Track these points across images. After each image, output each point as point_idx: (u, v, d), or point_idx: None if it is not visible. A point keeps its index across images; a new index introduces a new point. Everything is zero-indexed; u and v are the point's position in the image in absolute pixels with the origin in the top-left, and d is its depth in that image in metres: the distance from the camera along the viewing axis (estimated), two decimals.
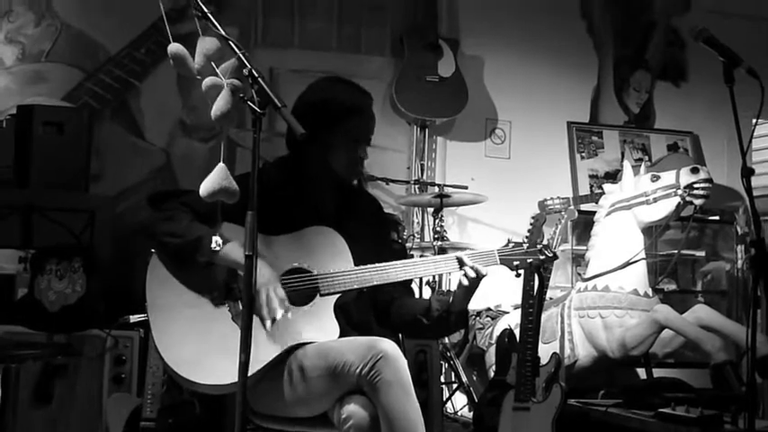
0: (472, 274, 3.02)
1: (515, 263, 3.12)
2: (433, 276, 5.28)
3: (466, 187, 5.60)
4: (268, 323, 2.84)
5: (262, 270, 2.83)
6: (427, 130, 6.15)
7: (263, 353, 2.83)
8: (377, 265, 3.01)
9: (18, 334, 4.18)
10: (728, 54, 3.07)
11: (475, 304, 5.41)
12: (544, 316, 4.51)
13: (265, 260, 2.87)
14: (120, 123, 5.55)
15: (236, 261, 2.84)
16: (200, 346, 2.85)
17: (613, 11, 6.68)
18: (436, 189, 5.45)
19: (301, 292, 2.96)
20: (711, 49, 3.10)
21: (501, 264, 3.12)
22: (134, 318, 4.28)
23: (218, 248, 2.86)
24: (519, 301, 4.08)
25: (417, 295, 4.52)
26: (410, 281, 3.34)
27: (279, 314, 2.85)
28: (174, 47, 2.54)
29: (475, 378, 5.16)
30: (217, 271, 2.93)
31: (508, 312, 5.05)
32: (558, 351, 4.42)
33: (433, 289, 5.31)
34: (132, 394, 4.23)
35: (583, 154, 6.42)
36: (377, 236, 3.29)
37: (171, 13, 5.06)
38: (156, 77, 5.58)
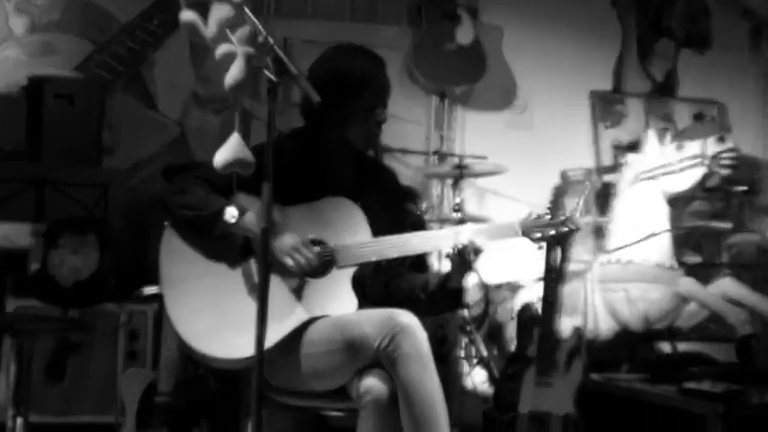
0: (464, 243, 3.00)
1: (537, 235, 3.10)
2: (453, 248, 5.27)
3: (486, 158, 5.59)
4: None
5: (285, 238, 2.89)
6: (446, 100, 6.13)
7: (280, 326, 2.85)
8: (395, 236, 3.02)
9: (31, 308, 4.21)
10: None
11: (496, 277, 5.48)
12: (566, 289, 4.50)
13: (287, 230, 2.91)
14: (132, 95, 5.55)
15: (254, 230, 2.86)
16: (215, 318, 2.88)
17: None
18: (455, 160, 5.44)
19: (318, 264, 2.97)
20: None
21: (522, 236, 3.10)
22: (148, 290, 4.30)
23: (233, 220, 2.88)
24: (540, 275, 4.07)
25: (437, 270, 4.52)
26: (427, 255, 3.34)
27: (316, 262, 2.89)
28: (187, 14, 2.53)
29: (495, 353, 5.17)
30: (235, 240, 2.95)
31: (528, 286, 5.04)
32: (579, 325, 4.41)
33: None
34: (147, 369, 4.26)
35: (606, 123, 6.39)
36: (395, 207, 3.30)
37: None
38: (169, 48, 5.57)
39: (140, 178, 5.40)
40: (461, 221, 5.10)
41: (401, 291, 3.20)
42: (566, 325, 4.14)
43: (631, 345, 4.72)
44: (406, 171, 5.86)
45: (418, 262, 3.26)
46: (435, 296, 3.12)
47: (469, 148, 6.06)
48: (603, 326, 4.61)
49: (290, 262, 2.90)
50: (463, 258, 3.01)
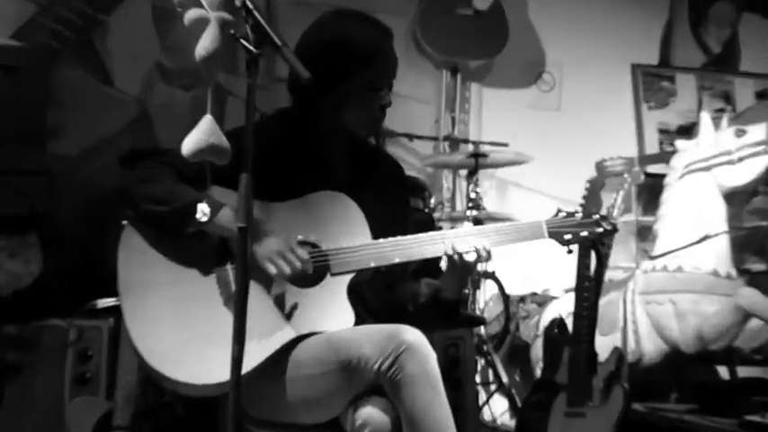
0: (471, 256, 3.03)
1: (567, 237, 3.12)
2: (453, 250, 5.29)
3: (507, 145, 5.60)
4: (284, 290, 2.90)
5: (268, 240, 2.89)
6: (459, 76, 6.14)
7: (262, 345, 2.84)
8: (399, 238, 3.02)
9: None
10: None
11: (518, 288, 5.49)
12: (603, 302, 4.51)
13: (272, 229, 2.92)
14: (83, 67, 5.55)
15: (231, 228, 2.85)
16: (184, 335, 2.87)
17: None
18: (470, 147, 5.44)
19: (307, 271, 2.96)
20: None
21: (549, 238, 3.12)
22: (103, 302, 4.31)
23: (205, 219, 2.89)
24: (571, 284, 4.09)
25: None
26: (438, 259, 3.35)
27: (303, 266, 2.90)
28: None
29: (518, 378, 5.18)
30: (209, 241, 2.95)
31: (558, 298, 5.06)
32: (619, 345, 4.43)
33: None
34: (100, 397, 4.26)
35: (651, 104, 6.41)
36: (398, 204, 3.30)
37: None
38: (128, 11, 5.58)
39: (93, 166, 5.40)
40: (477, 220, 5.12)
41: (387, 300, 3.21)
42: (602, 345, 4.16)
43: (681, 369, 4.74)
44: (412, 160, 5.88)
45: (428, 269, 3.26)
46: (425, 310, 3.14)
47: (487, 133, 6.08)
48: (648, 346, 4.62)
49: (273, 268, 2.89)
50: (463, 263, 3.04)
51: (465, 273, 3.10)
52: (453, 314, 3.21)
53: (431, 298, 3.14)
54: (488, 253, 3.04)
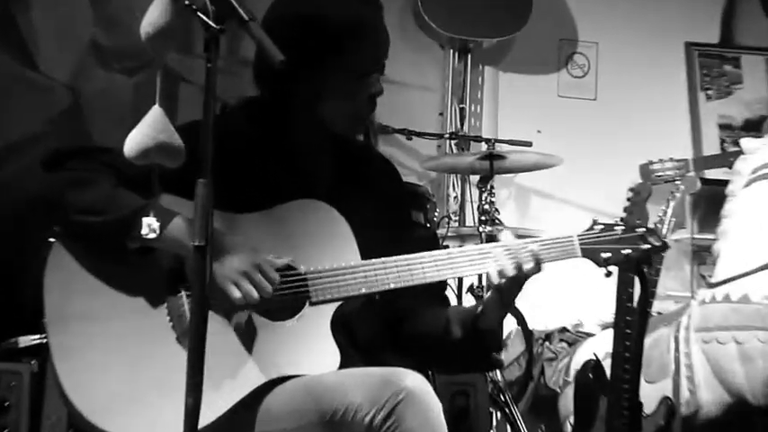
0: (510, 271, 3.03)
1: (605, 255, 3.11)
2: (479, 277, 5.31)
3: (530, 144, 5.62)
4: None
5: (231, 259, 2.89)
6: (470, 58, 6.17)
7: (224, 392, 2.87)
8: (394, 258, 3.04)
9: None
10: None
11: (543, 323, 5.50)
12: (649, 341, 4.53)
13: (236, 244, 2.93)
14: (1, 48, 5.58)
15: (186, 244, 2.86)
16: (126, 381, 2.88)
17: None
18: (483, 146, 5.47)
19: (283, 299, 2.99)
20: None
21: (583, 257, 3.12)
22: (25, 341, 4.32)
23: (153, 235, 2.89)
24: (610, 318, 4.10)
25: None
26: (443, 284, 3.37)
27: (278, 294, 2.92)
28: None
29: None
30: (157, 260, 2.96)
31: (593, 335, 5.07)
32: (669, 394, 4.44)
33: (478, 297, 5.33)
34: None
35: (709, 92, 6.44)
36: (394, 216, 3.33)
37: None
38: None
39: (12, 169, 5.42)
40: (491, 237, 5.13)
41: (414, 339, 3.24)
42: (649, 394, 4.17)
43: (748, 424, 4.75)
44: (411, 163, 5.91)
45: (431, 295, 3.28)
46: (464, 341, 3.15)
47: (505, 129, 6.11)
48: (706, 395, 4.63)
49: (237, 293, 2.90)
50: (507, 282, 3.03)
51: (517, 290, 3.07)
52: (497, 347, 3.23)
53: (469, 330, 3.15)
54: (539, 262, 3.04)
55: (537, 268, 3.03)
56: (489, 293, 3.12)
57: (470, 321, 3.15)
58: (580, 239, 3.12)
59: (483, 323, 3.13)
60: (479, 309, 3.15)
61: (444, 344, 3.19)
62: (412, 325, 3.25)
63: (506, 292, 3.07)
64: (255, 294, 2.89)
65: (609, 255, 3.11)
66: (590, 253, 3.11)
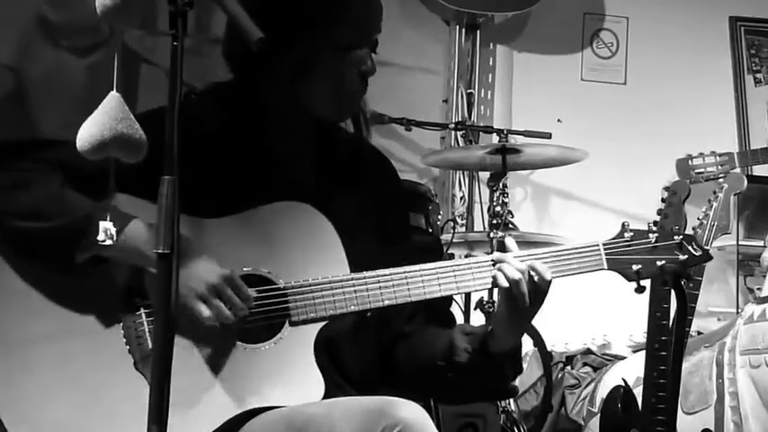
0: (516, 275, 3.04)
1: (636, 267, 3.14)
2: (490, 291, 5.31)
3: (549, 135, 5.65)
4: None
5: (200, 267, 2.92)
6: (479, 35, 6.20)
7: (193, 426, 2.89)
8: (389, 271, 3.07)
9: None
10: None
11: (564, 344, 5.52)
12: (687, 364, 4.56)
13: (204, 254, 2.95)
14: None
15: (145, 253, 2.91)
16: (77, 413, 2.91)
17: None
18: (495, 138, 5.50)
19: (258, 318, 3.02)
20: None
21: (610, 269, 3.15)
22: None
23: (109, 241, 2.90)
24: (642, 338, 4.12)
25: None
26: (448, 300, 3.39)
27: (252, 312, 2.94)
28: None
29: None
30: (111, 273, 2.99)
31: (623, 358, 5.10)
32: (711, 427, 4.47)
33: (488, 314, 5.33)
34: None
35: (758, 75, 6.46)
36: (389, 220, 3.37)
37: None
38: None
39: None
40: (502, 246, 5.16)
41: (412, 362, 3.26)
42: (688, 426, 4.20)
43: None
44: (411, 157, 5.93)
45: (431, 312, 3.31)
46: (473, 368, 3.16)
47: (519, 118, 6.14)
48: (755, 428, 4.66)
49: (205, 310, 2.93)
50: (525, 296, 3.04)
51: (529, 304, 3.06)
52: (513, 374, 3.25)
53: (479, 351, 3.16)
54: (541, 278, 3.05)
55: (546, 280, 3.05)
56: (499, 309, 3.14)
57: (479, 343, 3.16)
58: (606, 249, 3.15)
59: (494, 346, 3.14)
60: (489, 328, 3.16)
61: (448, 370, 3.19)
62: (409, 348, 3.28)
63: (520, 308, 3.07)
64: (228, 313, 2.92)
65: (640, 266, 3.14)
66: (618, 265, 3.15)
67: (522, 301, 3.04)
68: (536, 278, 3.04)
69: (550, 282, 3.06)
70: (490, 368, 3.17)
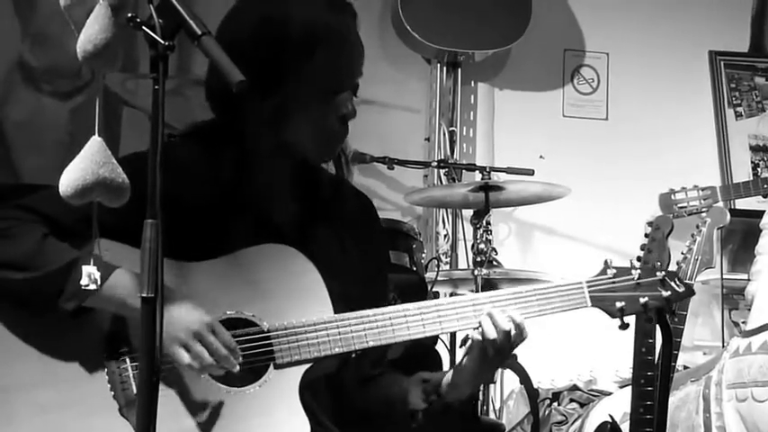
0: (492, 334, 3.03)
1: (619, 304, 3.13)
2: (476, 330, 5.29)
3: (532, 172, 5.64)
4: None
5: (181, 314, 2.89)
6: (460, 73, 6.20)
7: None
8: (372, 312, 3.04)
9: None
10: None
11: (550, 380, 5.50)
12: (674, 399, 4.54)
13: (185, 300, 2.92)
14: None
15: (129, 302, 2.88)
16: None
17: None
18: (478, 176, 5.48)
19: (243, 362, 2.98)
20: None
21: (594, 306, 3.14)
22: None
23: (93, 286, 2.88)
24: (627, 375, 4.11)
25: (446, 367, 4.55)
26: (433, 339, 3.37)
27: (233, 364, 2.90)
28: None
29: None
30: (95, 321, 2.96)
31: (609, 393, 5.08)
32: None
33: None
34: None
35: (739, 109, 6.47)
36: (372, 260, 3.35)
37: None
38: None
39: None
40: (487, 283, 5.13)
41: (375, 405, 3.24)
42: None
43: None
44: (393, 196, 5.91)
45: (417, 354, 3.28)
46: (430, 417, 3.14)
47: (502, 155, 6.12)
48: None
49: (186, 357, 2.90)
50: (495, 346, 3.03)
51: (499, 359, 3.07)
52: (472, 423, 3.22)
53: (434, 403, 3.14)
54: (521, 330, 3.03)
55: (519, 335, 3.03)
56: (465, 359, 3.11)
57: (434, 391, 3.15)
58: (590, 287, 3.13)
59: (450, 395, 3.14)
60: (450, 376, 3.15)
61: (403, 417, 3.18)
62: (376, 388, 3.27)
63: (489, 358, 3.07)
64: (210, 360, 2.88)
65: (624, 304, 3.13)
66: (601, 302, 3.13)
67: (499, 354, 3.04)
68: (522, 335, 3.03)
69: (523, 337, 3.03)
70: (450, 418, 3.16)
